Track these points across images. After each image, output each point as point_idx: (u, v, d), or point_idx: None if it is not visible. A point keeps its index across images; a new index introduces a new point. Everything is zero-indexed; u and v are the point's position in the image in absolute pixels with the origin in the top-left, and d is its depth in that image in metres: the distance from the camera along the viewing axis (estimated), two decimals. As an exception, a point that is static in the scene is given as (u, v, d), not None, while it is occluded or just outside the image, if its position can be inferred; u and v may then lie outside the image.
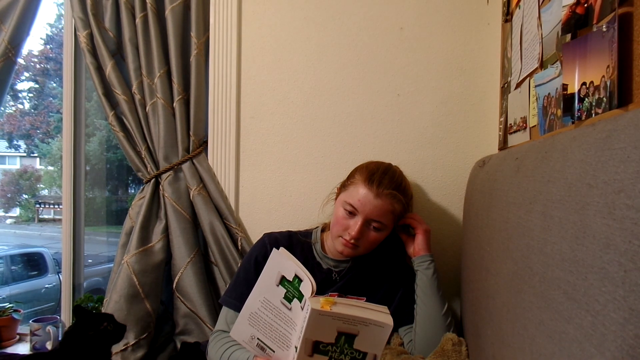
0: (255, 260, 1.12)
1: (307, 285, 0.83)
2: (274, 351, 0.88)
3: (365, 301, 1.09)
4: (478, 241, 0.95)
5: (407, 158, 1.33)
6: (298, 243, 1.17)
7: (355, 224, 1.04)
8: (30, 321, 1.65)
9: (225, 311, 1.13)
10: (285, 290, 0.88)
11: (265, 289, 0.90)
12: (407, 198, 1.10)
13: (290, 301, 0.87)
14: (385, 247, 1.19)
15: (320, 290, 1.10)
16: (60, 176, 1.81)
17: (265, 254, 1.10)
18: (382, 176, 1.06)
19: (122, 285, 1.33)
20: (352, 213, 1.05)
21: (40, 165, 9.31)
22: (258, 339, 0.90)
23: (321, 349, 0.80)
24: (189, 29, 1.45)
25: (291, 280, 0.88)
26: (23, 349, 1.66)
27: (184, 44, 1.45)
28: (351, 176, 1.12)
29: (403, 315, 1.10)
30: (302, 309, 0.83)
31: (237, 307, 1.08)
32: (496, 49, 1.27)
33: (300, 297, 0.85)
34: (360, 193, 1.04)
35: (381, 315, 0.82)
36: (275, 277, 0.89)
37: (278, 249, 1.14)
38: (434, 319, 1.05)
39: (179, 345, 1.38)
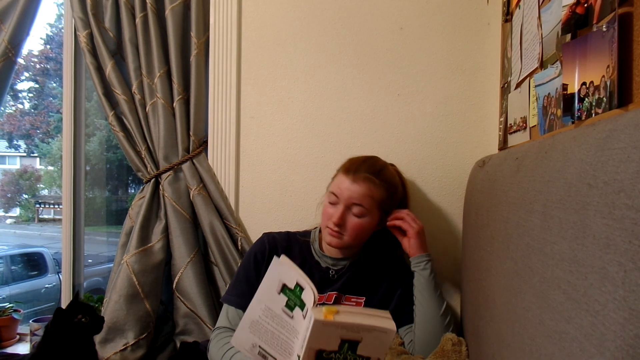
0: (254, 257, 1.13)
1: (309, 294, 0.83)
2: (276, 359, 0.88)
3: (365, 300, 1.09)
4: (478, 241, 0.95)
5: (408, 158, 1.33)
6: (296, 243, 1.17)
7: (337, 210, 1.06)
8: (30, 321, 1.65)
9: (226, 308, 1.13)
10: (286, 298, 0.88)
11: (267, 296, 0.90)
12: (389, 185, 1.09)
13: (292, 309, 0.86)
14: (383, 246, 1.19)
15: (319, 289, 1.09)
16: (60, 176, 1.81)
17: (263, 252, 1.12)
18: (360, 164, 1.09)
19: (122, 285, 1.33)
20: (335, 203, 1.08)
21: (40, 165, 9.31)
22: (260, 347, 0.90)
23: (324, 357, 0.80)
24: (189, 29, 1.44)
25: (292, 288, 0.87)
26: (23, 349, 1.66)
27: (184, 44, 1.45)
28: (336, 171, 1.15)
29: (402, 315, 1.09)
30: (304, 317, 0.83)
31: (239, 304, 1.10)
32: (496, 49, 1.27)
33: (302, 305, 0.85)
34: (340, 180, 1.08)
35: (384, 320, 0.81)
36: (276, 285, 0.89)
37: (276, 247, 1.15)
38: (432, 320, 1.05)
39: (178, 345, 1.38)
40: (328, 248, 1.14)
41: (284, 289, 0.88)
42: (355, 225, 1.06)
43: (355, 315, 0.81)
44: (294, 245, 1.16)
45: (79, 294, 1.19)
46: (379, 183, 1.06)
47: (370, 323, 0.79)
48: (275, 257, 0.89)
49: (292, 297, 0.87)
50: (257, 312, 0.90)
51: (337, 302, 1.08)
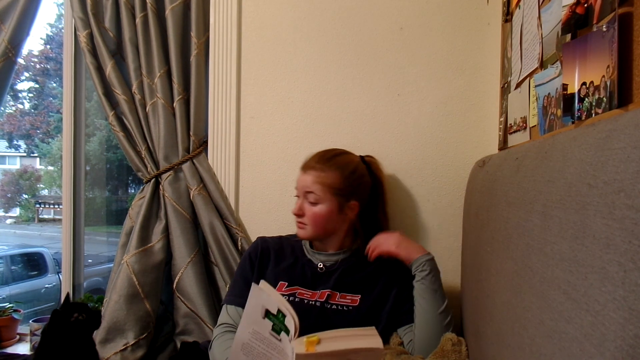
0: (249, 257, 1.18)
1: (291, 322, 0.82)
2: None
3: (361, 298, 1.09)
4: (478, 241, 0.95)
5: (407, 158, 1.33)
6: (288, 245, 1.21)
7: (297, 202, 1.14)
8: (30, 321, 1.65)
9: (225, 307, 1.15)
10: (272, 323, 0.88)
11: (253, 321, 0.89)
12: (340, 170, 1.11)
13: (278, 333, 0.86)
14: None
15: (312, 287, 1.11)
16: (60, 176, 1.81)
17: (257, 253, 1.18)
18: (312, 157, 1.16)
19: (122, 285, 1.33)
20: (297, 196, 1.16)
21: (40, 165, 9.31)
22: None
23: None
24: (189, 29, 1.44)
25: (275, 314, 0.87)
26: (23, 349, 1.66)
27: (184, 44, 1.45)
28: None
29: (400, 315, 1.09)
30: (290, 342, 0.83)
31: (239, 302, 1.12)
32: (496, 49, 1.27)
33: (287, 330, 0.84)
34: (298, 175, 1.16)
35: (370, 339, 0.80)
36: (259, 311, 0.88)
37: (269, 249, 1.18)
38: (431, 321, 1.05)
39: (179, 345, 1.38)
40: (316, 244, 1.18)
41: (267, 314, 0.87)
42: (312, 214, 1.11)
43: (339, 339, 0.80)
44: (285, 246, 1.20)
45: (68, 295, 1.19)
46: (326, 168, 1.11)
47: (355, 346, 0.78)
48: (253, 284, 0.90)
49: (277, 322, 0.86)
50: (246, 335, 0.89)
51: (329, 299, 1.08)
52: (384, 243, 1.12)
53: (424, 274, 1.07)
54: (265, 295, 0.88)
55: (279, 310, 0.86)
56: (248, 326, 0.89)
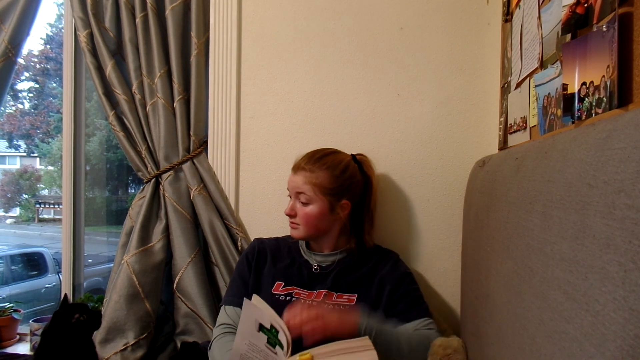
0: (246, 258, 1.19)
1: (283, 337, 0.81)
2: None
3: (358, 297, 1.09)
4: (478, 241, 0.95)
5: (407, 158, 1.33)
6: (285, 245, 1.21)
7: (289, 203, 1.15)
8: (30, 321, 1.65)
9: (224, 308, 1.15)
10: (266, 337, 0.88)
11: (248, 334, 0.89)
12: (330, 170, 1.11)
13: (273, 346, 0.86)
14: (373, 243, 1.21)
15: (308, 287, 1.11)
16: (60, 176, 1.81)
17: (253, 254, 1.19)
18: (302, 157, 1.17)
19: (122, 285, 1.33)
20: (290, 197, 1.17)
21: (40, 165, 9.30)
22: None
23: None
24: (189, 29, 1.45)
25: (269, 328, 0.87)
26: (23, 349, 1.66)
27: (184, 44, 1.45)
28: None
29: (395, 316, 1.07)
30: (285, 355, 0.83)
31: (237, 303, 1.12)
32: (496, 49, 1.27)
33: (281, 345, 0.84)
34: (289, 176, 1.17)
35: (364, 354, 0.80)
36: (253, 324, 0.88)
37: (265, 250, 1.19)
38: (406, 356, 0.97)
39: (179, 345, 1.38)
40: (313, 244, 1.19)
41: (261, 327, 0.88)
42: (304, 214, 1.11)
43: (332, 356, 0.80)
44: (282, 247, 1.21)
45: (66, 296, 1.19)
46: (316, 169, 1.11)
47: None
48: (245, 299, 0.90)
49: (271, 337, 0.86)
50: (243, 347, 0.90)
51: (326, 299, 1.08)
52: (321, 325, 0.89)
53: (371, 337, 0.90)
54: (258, 311, 0.89)
55: (272, 325, 0.86)
56: (244, 338, 0.90)
